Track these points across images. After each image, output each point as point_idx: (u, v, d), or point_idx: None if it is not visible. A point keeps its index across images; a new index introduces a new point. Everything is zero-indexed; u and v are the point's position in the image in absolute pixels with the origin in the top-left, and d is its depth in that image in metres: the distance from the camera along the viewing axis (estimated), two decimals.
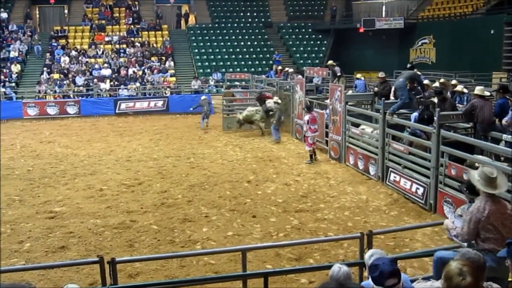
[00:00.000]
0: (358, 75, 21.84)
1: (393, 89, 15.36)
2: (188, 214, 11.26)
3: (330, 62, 22.33)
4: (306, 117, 16.38)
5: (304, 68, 21.83)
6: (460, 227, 5.97)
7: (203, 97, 25.01)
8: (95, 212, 11.52)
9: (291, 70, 26.42)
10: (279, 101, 20.08)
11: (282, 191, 12.99)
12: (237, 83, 30.10)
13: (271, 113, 20.26)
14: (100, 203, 12.23)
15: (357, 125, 15.32)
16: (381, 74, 16.89)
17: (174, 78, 33.58)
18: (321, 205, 11.84)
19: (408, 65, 16.48)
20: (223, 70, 34.87)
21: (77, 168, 15.83)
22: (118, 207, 11.89)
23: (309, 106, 16.99)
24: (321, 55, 38.11)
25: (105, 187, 13.65)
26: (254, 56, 37.57)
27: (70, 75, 31.86)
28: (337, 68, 19.83)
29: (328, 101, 17.13)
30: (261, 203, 12.01)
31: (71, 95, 29.62)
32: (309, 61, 37.01)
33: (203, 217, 11.08)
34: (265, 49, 38.06)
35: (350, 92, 18.33)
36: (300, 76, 23.37)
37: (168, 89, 31.42)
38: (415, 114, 12.90)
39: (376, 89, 16.73)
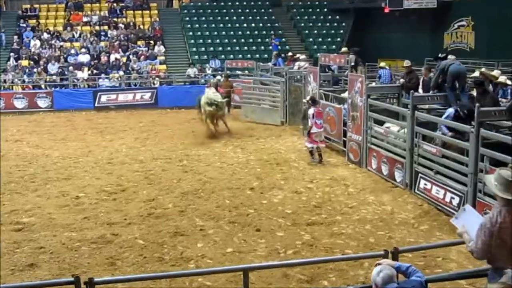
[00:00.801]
0: (383, 64, 21.85)
1: (420, 81, 15.39)
2: (180, 226, 11.26)
3: (344, 49, 22.38)
4: (311, 110, 16.52)
5: (318, 54, 21.85)
6: (474, 241, 5.86)
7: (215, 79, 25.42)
8: (70, 223, 11.53)
9: (302, 56, 26.45)
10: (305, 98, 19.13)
11: (291, 201, 13.00)
12: (238, 72, 30.11)
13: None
14: (76, 213, 12.25)
15: (381, 123, 15.31)
16: (406, 63, 16.86)
17: (164, 66, 33.65)
18: (337, 217, 11.84)
19: (441, 54, 16.37)
20: (222, 56, 34.90)
21: (49, 172, 15.87)
22: (97, 218, 11.91)
23: (314, 99, 17.20)
24: (338, 39, 38.09)
25: (82, 194, 13.67)
26: (259, 40, 37.59)
27: (41, 62, 31.95)
28: (352, 57, 19.84)
29: (346, 94, 17.13)
30: (266, 214, 12.01)
31: (43, 86, 29.73)
32: (324, 46, 36.99)
33: (197, 230, 11.08)
34: (272, 32, 38.06)
35: (373, 83, 18.33)
36: (303, 63, 23.39)
37: (157, 79, 31.50)
38: (450, 110, 12.90)
39: (401, 80, 16.71)
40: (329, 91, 19.22)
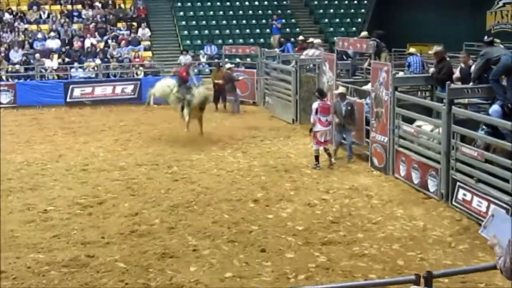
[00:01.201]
0: (412, 50, 21.83)
1: (456, 71, 15.33)
2: (169, 246, 11.25)
3: (364, 33, 22.34)
4: (315, 104, 16.74)
5: (335, 38, 21.85)
6: (503, 257, 5.75)
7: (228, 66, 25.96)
8: (36, 243, 11.52)
9: (316, 41, 26.45)
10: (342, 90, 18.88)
11: (303, 215, 12.99)
12: (238, 60, 30.14)
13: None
14: (44, 230, 12.23)
15: (411, 121, 15.30)
16: (435, 49, 16.79)
17: (149, 53, 33.71)
18: (359, 234, 11.82)
19: (487, 38, 16.18)
20: (220, 41, 34.96)
21: (11, 181, 15.86)
22: (69, 236, 11.89)
23: (321, 91, 17.39)
24: (358, 20, 38.14)
25: (51, 207, 13.67)
26: (263, 22, 37.62)
27: (1, 49, 31.98)
28: (371, 43, 19.81)
29: (369, 86, 17.12)
30: (273, 231, 11.99)
31: (3, 77, 29.80)
32: (342, 29, 37.05)
33: (190, 251, 11.07)
34: (279, 11, 38.08)
35: (401, 73, 18.30)
36: (312, 51, 23.40)
37: (141, 68, 31.53)
38: (495, 107, 12.88)
39: (431, 70, 16.71)
40: (348, 83, 19.21)
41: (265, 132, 21.57)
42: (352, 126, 17.34)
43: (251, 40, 35.47)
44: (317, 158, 16.67)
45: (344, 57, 21.56)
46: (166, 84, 21.43)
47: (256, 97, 27.77)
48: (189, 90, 20.32)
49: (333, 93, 18.20)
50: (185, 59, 31.45)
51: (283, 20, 36.44)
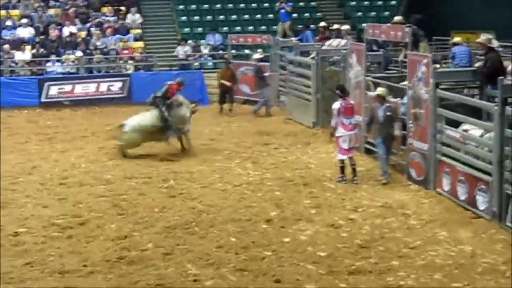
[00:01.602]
0: (457, 39, 21.75)
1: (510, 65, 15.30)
2: (165, 276, 11.24)
3: (397, 18, 22.31)
4: (336, 104, 16.83)
5: (364, 25, 21.84)
6: None
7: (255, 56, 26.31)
8: (5, 272, 11.49)
9: (344, 27, 26.42)
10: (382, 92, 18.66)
11: (326, 238, 12.97)
12: (247, 51, 30.14)
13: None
14: (15, 256, 12.22)
15: (456, 124, 15.27)
16: (482, 37, 16.74)
17: (141, 43, 33.72)
18: (393, 262, 11.77)
19: None
20: (225, 29, 34.98)
21: None
22: (44, 264, 11.87)
23: (342, 88, 17.54)
24: (392, 3, 38.09)
25: (22, 229, 13.67)
26: (277, 5, 37.44)
27: None
28: (408, 30, 19.78)
29: (406, 82, 17.08)
30: (289, 258, 11.97)
31: None
32: (373, 13, 37.02)
33: (189, 281, 11.06)
34: None
35: (442, 66, 18.25)
36: (336, 42, 23.41)
37: (130, 62, 31.56)
38: None
39: (478, 64, 16.69)
40: (380, 78, 19.18)
41: (280, 138, 21.59)
42: (390, 136, 16.81)
43: (263, 27, 35.47)
44: (342, 169, 16.70)
45: (374, 48, 21.56)
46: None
47: (262, 97, 27.79)
48: (170, 109, 19.92)
49: (370, 96, 18.12)
50: (183, 50, 31.52)
51: (291, 4, 35.48)
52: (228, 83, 25.85)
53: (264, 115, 25.76)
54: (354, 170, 16.75)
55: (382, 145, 16.72)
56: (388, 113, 16.56)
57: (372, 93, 17.79)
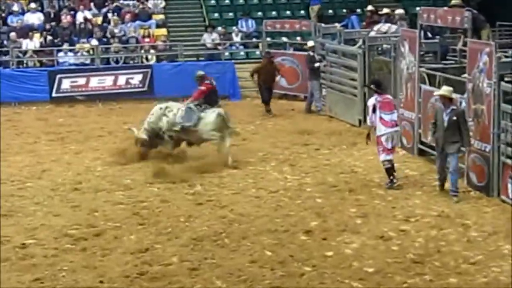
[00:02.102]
0: None
1: None
2: None
3: (455, 1, 22.14)
4: (371, 100, 16.95)
5: (418, 9, 21.74)
6: None
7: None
8: None
9: (399, 11, 26.31)
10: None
11: (374, 252, 12.93)
12: (285, 39, 30.10)
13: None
14: (22, 271, 12.29)
15: None
16: None
17: (163, 31, 33.78)
18: (451, 279, 11.71)
19: None
20: (259, 14, 34.95)
21: None
22: (56, 279, 11.94)
23: (377, 82, 17.69)
24: None
25: (31, 240, 13.74)
26: None
27: None
28: (468, 14, 19.64)
29: (466, 75, 16.97)
30: (332, 274, 11.94)
31: None
32: None
33: None
34: None
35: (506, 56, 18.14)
36: (386, 26, 23.28)
37: (152, 51, 31.63)
38: None
39: None
40: (436, 70, 19.09)
41: (322, 137, 21.58)
42: (456, 145, 15.87)
43: (301, 12, 35.42)
44: (390, 171, 16.67)
45: (429, 35, 21.46)
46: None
47: (308, 90, 27.77)
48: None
49: (425, 89, 18.05)
50: (210, 38, 31.47)
51: None
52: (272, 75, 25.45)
53: (305, 112, 25.75)
54: (392, 174, 16.74)
55: (453, 156, 15.89)
56: (454, 118, 15.74)
57: (435, 92, 17.28)
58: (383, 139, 16.62)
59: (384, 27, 23.99)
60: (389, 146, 16.66)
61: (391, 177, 16.65)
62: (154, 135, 19.68)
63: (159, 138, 19.76)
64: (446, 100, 15.94)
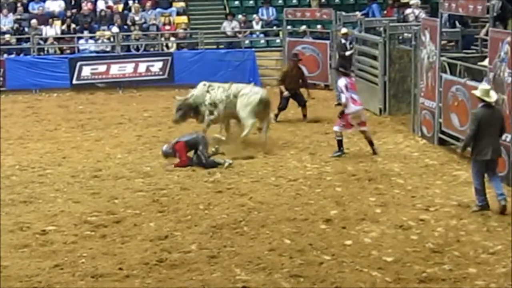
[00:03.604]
0: None
1: None
2: (210, 281, 11.31)
3: None
4: (343, 80, 18.25)
5: None
6: None
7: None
8: (31, 275, 11.65)
9: (414, 1, 26.25)
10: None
11: (393, 241, 12.93)
12: (304, 27, 30.03)
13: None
14: (42, 258, 12.36)
15: None
16: None
17: (184, 18, 33.78)
18: (470, 269, 11.69)
19: None
20: (280, 1, 34.86)
21: None
22: (75, 266, 11.99)
23: (344, 65, 19.61)
24: None
25: (51, 227, 13.82)
26: None
27: None
28: (494, 3, 19.51)
29: (486, 63, 16.91)
30: (351, 263, 11.95)
31: None
32: None
33: None
34: None
35: None
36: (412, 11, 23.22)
37: (173, 39, 31.67)
38: None
39: None
40: (458, 59, 19.02)
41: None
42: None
43: (322, 0, 35.26)
44: (340, 143, 18.16)
45: (458, 24, 21.38)
46: None
47: (329, 79, 27.73)
48: None
49: (446, 79, 18.00)
50: (230, 26, 31.42)
51: None
52: (285, 91, 23.38)
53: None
54: (371, 142, 18.34)
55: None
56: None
57: (474, 92, 16.40)
58: (349, 116, 17.98)
59: (415, 11, 23.98)
60: (353, 123, 18.07)
61: (339, 148, 18.27)
62: (192, 109, 20.17)
63: (197, 114, 20.28)
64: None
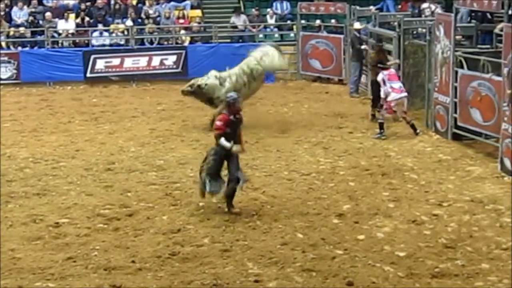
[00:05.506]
0: None
1: None
2: (222, 275, 11.32)
3: None
4: (380, 75, 19.43)
5: None
6: None
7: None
8: (45, 267, 11.69)
9: None
10: None
11: (406, 236, 12.92)
12: (318, 22, 30.00)
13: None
14: (55, 250, 12.42)
15: None
16: None
17: (198, 12, 33.74)
18: (483, 264, 11.67)
19: None
20: None
21: (12, 183, 16.19)
22: (88, 259, 12.03)
23: (381, 61, 20.25)
24: None
25: (64, 219, 13.87)
26: None
27: (1, 5, 32.35)
28: None
29: (502, 59, 16.88)
30: (364, 258, 11.96)
31: (3, 44, 30.25)
32: None
33: (250, 281, 11.13)
34: None
35: None
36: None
37: (186, 32, 31.63)
38: None
39: None
40: (471, 54, 18.97)
41: (355, 121, 21.55)
42: None
43: None
44: (381, 125, 18.98)
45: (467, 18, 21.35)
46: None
47: (343, 73, 27.69)
48: None
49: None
50: (239, 21, 31.34)
51: None
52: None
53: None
54: (413, 126, 19.33)
55: None
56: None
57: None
58: (393, 104, 19.06)
59: (432, 6, 23.97)
60: (396, 109, 19.08)
61: (382, 130, 19.23)
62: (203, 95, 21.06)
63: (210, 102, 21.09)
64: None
